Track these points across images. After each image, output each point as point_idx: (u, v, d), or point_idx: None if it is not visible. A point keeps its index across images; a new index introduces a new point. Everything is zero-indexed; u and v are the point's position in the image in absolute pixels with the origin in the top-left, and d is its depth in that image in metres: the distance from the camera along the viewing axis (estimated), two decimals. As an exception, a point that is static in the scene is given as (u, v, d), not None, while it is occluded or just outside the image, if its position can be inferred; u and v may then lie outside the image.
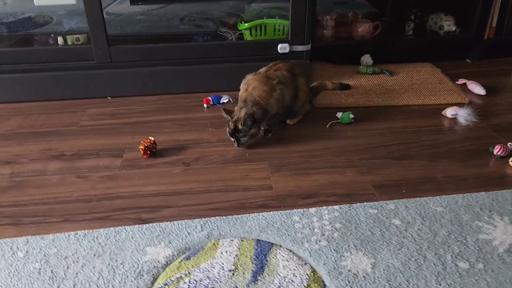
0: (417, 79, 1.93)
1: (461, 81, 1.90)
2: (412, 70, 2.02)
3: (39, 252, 1.07)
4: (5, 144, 1.53)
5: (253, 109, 1.42)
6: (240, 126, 1.41)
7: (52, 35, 1.92)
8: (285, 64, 1.56)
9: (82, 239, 1.10)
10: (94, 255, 1.06)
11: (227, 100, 1.77)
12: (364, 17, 2.12)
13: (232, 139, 1.46)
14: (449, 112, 1.63)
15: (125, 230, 1.13)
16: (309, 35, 1.78)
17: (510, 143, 1.43)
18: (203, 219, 1.16)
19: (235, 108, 1.46)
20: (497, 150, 1.40)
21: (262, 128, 1.50)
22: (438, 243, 1.08)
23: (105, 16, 1.70)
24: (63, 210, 1.21)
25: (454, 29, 2.08)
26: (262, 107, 1.44)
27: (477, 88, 1.82)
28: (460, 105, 1.67)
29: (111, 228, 1.13)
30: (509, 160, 1.36)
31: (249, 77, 1.53)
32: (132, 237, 1.11)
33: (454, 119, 1.62)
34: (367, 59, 2.04)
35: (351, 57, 2.05)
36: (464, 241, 1.08)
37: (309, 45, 1.80)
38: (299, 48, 1.80)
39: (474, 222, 1.14)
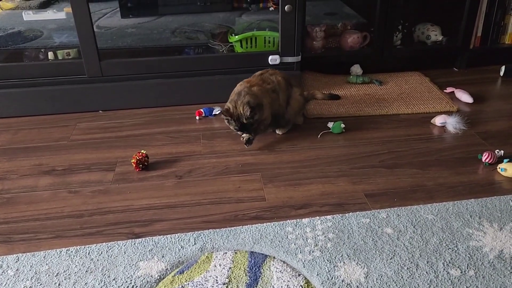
0: (406, 88, 1.96)
1: (449, 89, 1.93)
2: (401, 79, 2.05)
3: (29, 270, 1.06)
4: (-5, 160, 1.52)
5: (247, 97, 1.43)
6: (245, 121, 1.43)
7: (42, 50, 1.92)
8: (282, 72, 1.59)
9: (74, 255, 1.09)
10: (86, 271, 1.05)
11: (219, 111, 1.78)
12: (353, 28, 2.16)
13: (242, 134, 1.48)
14: (438, 120, 1.66)
15: (118, 245, 1.12)
16: (299, 46, 1.80)
17: (497, 150, 1.46)
18: (196, 232, 1.16)
19: (228, 105, 1.45)
20: (485, 157, 1.42)
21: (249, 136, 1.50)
22: (430, 251, 1.09)
23: (95, 29, 1.71)
24: (54, 226, 1.20)
25: (441, 38, 2.13)
26: (257, 97, 1.45)
27: (464, 96, 1.85)
28: (448, 113, 1.70)
29: (103, 244, 1.12)
30: (497, 167, 1.39)
31: (245, 79, 1.55)
32: (124, 252, 1.10)
33: (443, 127, 1.65)
34: (356, 69, 2.07)
35: (341, 67, 2.08)
36: (455, 249, 1.09)
37: (300, 56, 1.82)
38: (290, 59, 1.82)
39: (464, 229, 1.15)
